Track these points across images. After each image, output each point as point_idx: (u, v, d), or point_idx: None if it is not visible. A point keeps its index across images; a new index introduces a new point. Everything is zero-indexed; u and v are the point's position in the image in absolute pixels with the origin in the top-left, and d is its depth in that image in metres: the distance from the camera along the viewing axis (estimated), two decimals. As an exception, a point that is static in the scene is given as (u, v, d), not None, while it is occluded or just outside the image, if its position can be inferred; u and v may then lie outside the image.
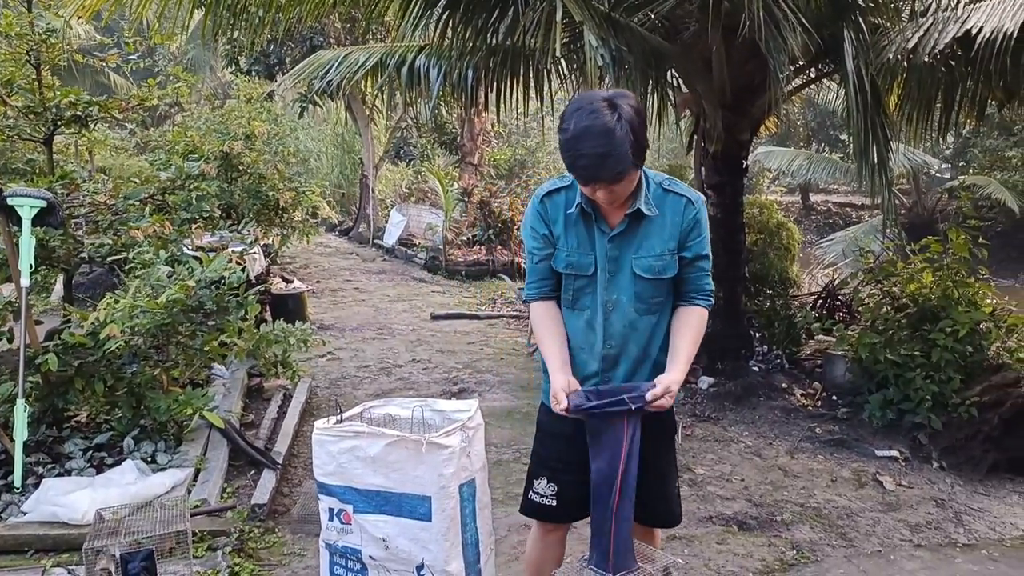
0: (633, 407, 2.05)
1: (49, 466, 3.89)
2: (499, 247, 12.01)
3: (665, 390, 2.07)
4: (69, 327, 4.31)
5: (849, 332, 5.89)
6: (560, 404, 2.08)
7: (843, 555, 3.63)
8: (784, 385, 6.08)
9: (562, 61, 6.15)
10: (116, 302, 4.03)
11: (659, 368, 2.22)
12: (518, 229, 11.84)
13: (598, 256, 2.19)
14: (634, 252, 2.18)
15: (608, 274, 2.18)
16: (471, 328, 8.41)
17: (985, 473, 4.83)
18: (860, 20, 4.85)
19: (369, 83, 7.76)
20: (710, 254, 2.26)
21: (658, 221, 2.17)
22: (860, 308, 6.39)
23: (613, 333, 2.20)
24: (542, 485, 2.35)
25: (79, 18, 5.29)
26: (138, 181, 6.19)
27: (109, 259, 5.14)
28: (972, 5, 4.82)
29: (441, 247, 11.91)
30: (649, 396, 2.05)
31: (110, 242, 5.05)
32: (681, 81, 6.38)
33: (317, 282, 10.54)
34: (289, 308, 7.48)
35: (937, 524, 4.13)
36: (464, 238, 12.46)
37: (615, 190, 2.05)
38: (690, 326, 2.22)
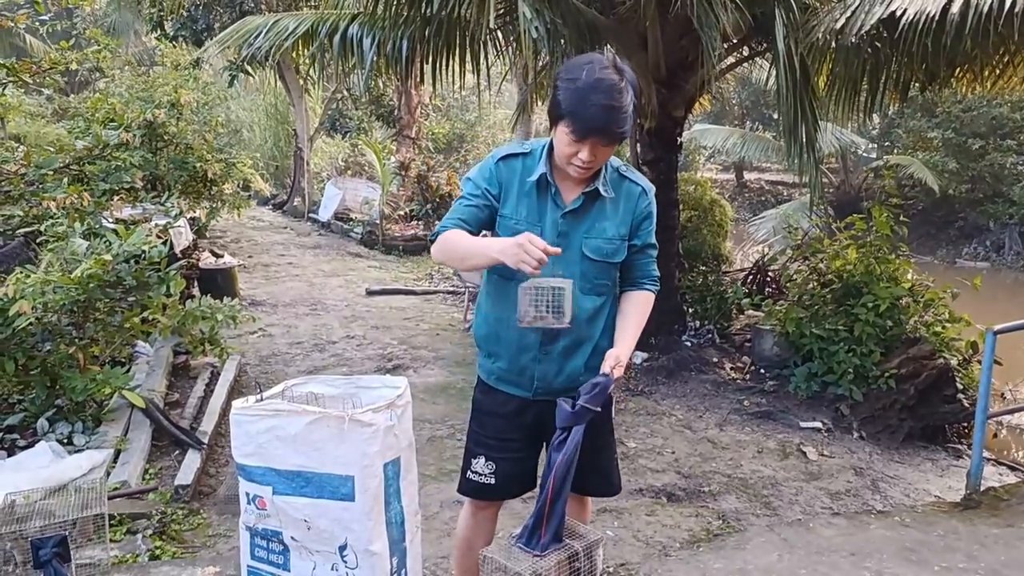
0: (591, 405, 2.05)
1: (-45, 449, 3.70)
2: (437, 222, 11.85)
3: (615, 361, 2.10)
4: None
5: (777, 307, 6.05)
6: (538, 245, 1.91)
7: (766, 524, 3.74)
8: (715, 359, 6.21)
9: (498, 33, 6.07)
10: (27, 277, 3.83)
11: (599, 352, 2.22)
12: (455, 203, 11.73)
13: (546, 229, 2.15)
14: (585, 231, 2.16)
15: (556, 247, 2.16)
16: (407, 304, 8.33)
17: (901, 442, 5.05)
18: (791, -1, 4.91)
19: (301, 51, 7.53)
20: (656, 243, 2.30)
21: (612, 204, 2.17)
22: (788, 284, 6.57)
23: None
24: (480, 464, 2.33)
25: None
26: (54, 150, 5.89)
27: (21, 231, 4.90)
28: (898, -13, 4.92)
29: (378, 222, 11.73)
30: (614, 376, 2.07)
31: (21, 213, 4.81)
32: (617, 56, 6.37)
33: (249, 257, 10.27)
34: (218, 284, 7.27)
35: (856, 492, 4.29)
36: (401, 213, 12.29)
37: (600, 153, 2.04)
38: (638, 307, 2.26)
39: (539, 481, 2.18)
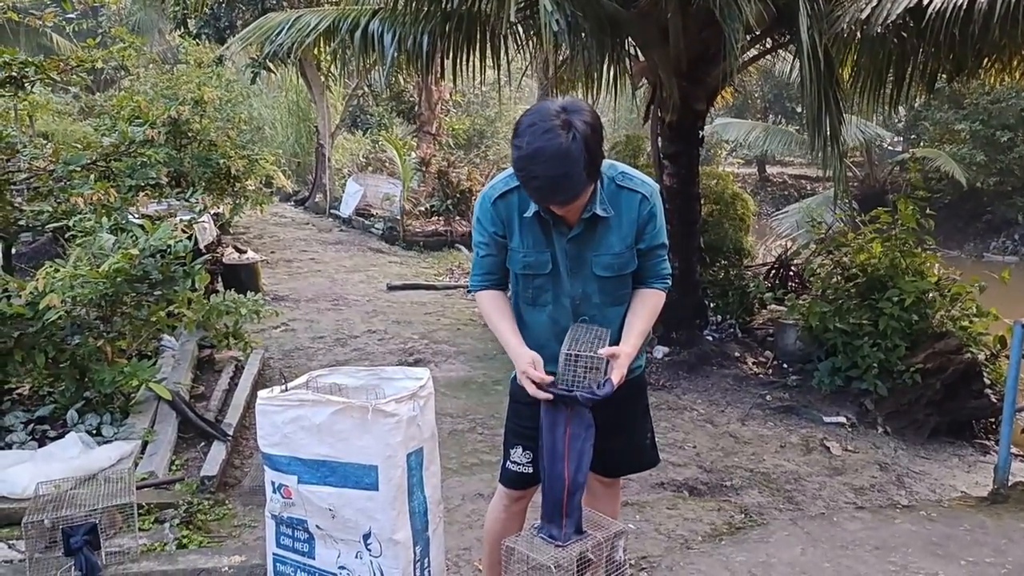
0: (583, 403, 2.05)
1: (-12, 440, 3.78)
2: (457, 217, 11.93)
3: (611, 355, 2.07)
4: (7, 297, 4.16)
5: (800, 302, 5.99)
6: (535, 376, 2.04)
7: (789, 518, 3.72)
8: (737, 354, 6.17)
9: (518, 27, 6.06)
10: (56, 271, 3.90)
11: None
12: (475, 199, 11.75)
13: (556, 253, 2.17)
14: (593, 251, 2.16)
15: (571, 271, 2.18)
16: (428, 299, 8.36)
17: (927, 437, 4.99)
18: (815, -11, 4.85)
19: (322, 48, 7.57)
20: (666, 241, 2.27)
21: (614, 220, 2.15)
22: (811, 278, 6.49)
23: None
24: (518, 454, 2.36)
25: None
26: (80, 147, 5.98)
27: (50, 227, 4.98)
28: (924, -24, 4.85)
29: (399, 217, 11.78)
30: (613, 386, 2.04)
31: (50, 209, 4.88)
32: (638, 49, 6.34)
33: (272, 252, 10.36)
34: (242, 279, 7.34)
35: (880, 487, 4.25)
36: (422, 208, 12.34)
37: (569, 206, 2.04)
38: (646, 305, 2.25)
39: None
